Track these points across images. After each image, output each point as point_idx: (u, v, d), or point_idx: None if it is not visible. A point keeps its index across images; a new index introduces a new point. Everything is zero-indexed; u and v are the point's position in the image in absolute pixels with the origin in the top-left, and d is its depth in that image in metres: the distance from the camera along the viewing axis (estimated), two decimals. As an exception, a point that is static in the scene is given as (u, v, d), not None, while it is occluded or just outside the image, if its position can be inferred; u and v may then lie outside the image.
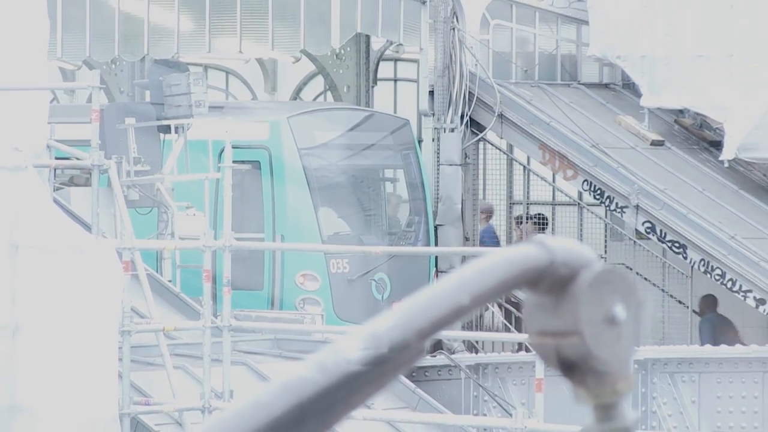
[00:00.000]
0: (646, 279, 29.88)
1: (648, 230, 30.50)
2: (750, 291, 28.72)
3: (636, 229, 30.82)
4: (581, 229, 32.93)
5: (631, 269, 30.63)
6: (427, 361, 23.02)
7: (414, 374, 22.04)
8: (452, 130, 31.67)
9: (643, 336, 2.52)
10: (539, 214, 33.29)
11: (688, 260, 30.08)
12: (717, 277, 29.36)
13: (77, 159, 20.28)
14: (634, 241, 31.36)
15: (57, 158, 19.64)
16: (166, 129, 25.15)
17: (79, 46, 32.49)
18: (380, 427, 20.04)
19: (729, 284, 29.15)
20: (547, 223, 32.95)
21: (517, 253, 2.46)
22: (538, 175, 33.52)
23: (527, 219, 33.21)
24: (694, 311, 31.15)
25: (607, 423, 2.48)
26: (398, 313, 2.41)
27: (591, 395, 2.49)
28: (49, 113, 16.35)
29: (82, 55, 32.89)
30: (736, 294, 29.04)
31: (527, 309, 2.51)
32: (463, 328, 24.38)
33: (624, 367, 2.50)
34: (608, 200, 31.05)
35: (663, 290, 31.42)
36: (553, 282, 2.47)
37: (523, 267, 2.45)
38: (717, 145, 31.43)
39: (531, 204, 34.16)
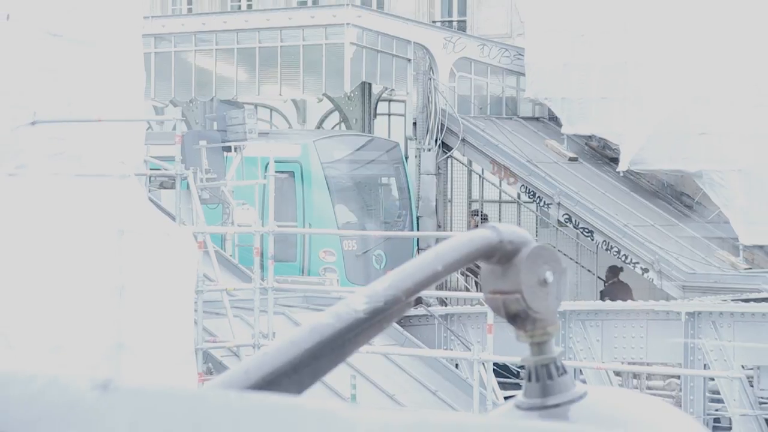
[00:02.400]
0: (565, 254, 29.77)
1: (566, 220, 30.46)
2: (638, 263, 28.70)
3: (558, 220, 30.77)
4: (519, 219, 32.87)
5: (555, 247, 30.58)
6: (412, 312, 22.97)
7: (402, 321, 21.96)
8: (429, 150, 31.61)
9: (564, 294, 2.47)
10: (479, 210, 33.45)
11: (594, 241, 30.07)
12: (615, 254, 29.35)
13: (165, 170, 20.22)
14: (557, 228, 31.31)
15: (151, 169, 19.58)
16: (228, 149, 25.14)
17: (166, 90, 32.50)
18: (379, 359, 19.97)
19: (623, 258, 29.14)
20: (486, 217, 33.01)
21: (477, 235, 2.42)
22: (489, 182, 33.51)
23: (479, 213, 33.25)
24: (599, 278, 31.13)
25: (540, 355, 2.45)
26: (391, 278, 2.37)
27: (528, 336, 2.46)
28: (145, 137, 16.23)
29: (169, 96, 32.93)
30: (629, 265, 29.02)
31: (483, 274, 2.47)
32: (437, 288, 24.33)
33: (552, 315, 2.46)
34: (538, 199, 30.99)
35: (577, 263, 31.46)
36: (501, 255, 2.44)
37: (480, 244, 2.41)
38: (615, 160, 31.34)
39: (485, 202, 34.14)
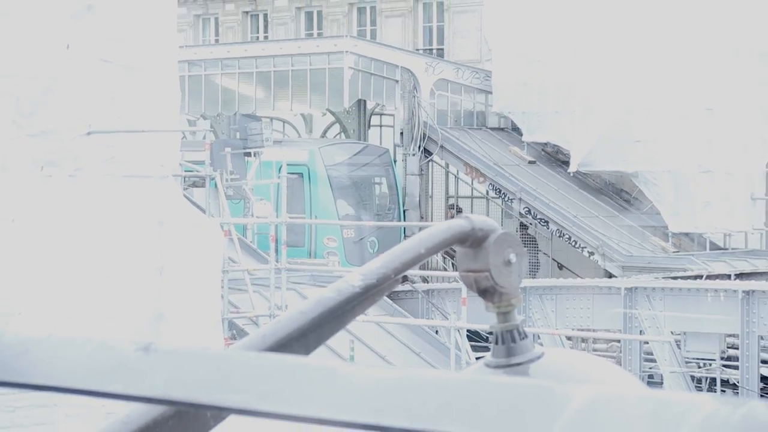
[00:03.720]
0: (523, 238, 29.81)
1: (526, 212, 30.48)
2: (585, 247, 28.71)
3: (519, 212, 30.78)
4: (488, 212, 32.88)
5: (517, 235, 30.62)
6: (399, 288, 22.99)
7: (391, 295, 21.98)
8: (413, 155, 31.63)
9: (525, 272, 2.46)
10: (455, 204, 33.54)
11: (549, 230, 30.07)
12: (566, 240, 29.36)
13: (197, 172, 20.21)
14: (519, 219, 31.32)
15: (185, 171, 19.57)
16: (248, 154, 25.15)
17: (197, 106, 32.50)
18: (373, 327, 19.98)
19: (573, 244, 29.15)
20: (461, 209, 33.10)
21: (453, 223, 2.42)
22: (463, 181, 33.51)
23: (455, 206, 33.32)
24: (553, 259, 31.15)
25: (505, 323, 2.44)
26: (382, 259, 2.36)
27: (495, 307, 2.45)
28: (180, 145, 16.22)
29: (199, 111, 32.91)
30: (578, 249, 29.03)
31: (458, 256, 2.47)
32: (421, 268, 24.31)
33: (515, 290, 2.45)
34: (503, 195, 31.02)
35: (536, 247, 31.47)
36: (473, 240, 2.43)
37: (456, 231, 2.40)
38: (566, 163, 31.36)
39: (459, 197, 34.17)
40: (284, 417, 1.50)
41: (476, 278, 2.52)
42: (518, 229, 30.41)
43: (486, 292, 2.52)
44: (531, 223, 30.89)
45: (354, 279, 2.39)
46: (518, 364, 2.42)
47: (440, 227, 2.49)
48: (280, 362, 1.62)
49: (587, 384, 1.18)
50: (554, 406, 1.14)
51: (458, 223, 2.47)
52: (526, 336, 2.46)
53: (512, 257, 2.49)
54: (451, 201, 33.94)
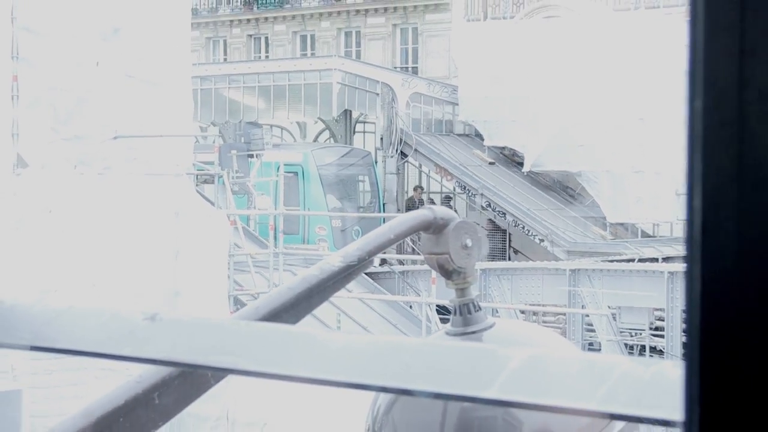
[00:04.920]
0: (485, 228, 29.85)
1: (487, 206, 30.50)
2: (536, 235, 28.75)
3: (481, 206, 30.77)
4: (455, 206, 32.88)
5: (478, 224, 30.58)
6: (379, 269, 22.98)
7: (372, 276, 21.97)
8: (392, 157, 31.62)
9: (480, 255, 2.47)
10: (420, 186, 33.58)
11: (506, 220, 30.10)
12: (521, 229, 29.40)
13: (207, 171, 20.18)
14: (480, 211, 31.34)
15: (197, 170, 19.53)
16: (251, 156, 25.11)
17: (207, 115, 32.43)
18: (356, 302, 19.96)
19: (526, 232, 29.19)
20: (422, 188, 33.17)
21: (419, 213, 2.41)
22: (433, 179, 33.48)
23: (420, 186, 33.35)
24: (510, 246, 31.18)
25: (463, 297, 2.43)
26: (359, 243, 2.36)
27: (455, 284, 2.45)
28: (193, 148, 16.21)
29: (210, 119, 32.81)
30: (530, 237, 29.08)
31: (423, 241, 2.47)
32: (397, 252, 24.35)
33: (472, 270, 2.45)
34: (468, 191, 31.03)
35: (494, 235, 31.50)
36: (435, 227, 2.42)
37: (420, 220, 2.41)
38: (521, 164, 31.41)
39: (431, 193, 34.14)
40: (272, 376, 1.50)
41: (438, 260, 2.54)
42: (479, 221, 30.37)
43: (446, 272, 2.54)
44: (492, 215, 30.88)
45: (334, 260, 2.40)
46: (473, 332, 2.43)
47: (407, 216, 2.50)
48: (269, 329, 1.62)
49: (526, 347, 1.19)
50: (496, 365, 1.15)
51: (422, 213, 2.48)
52: (480, 308, 2.47)
53: (468, 242, 2.51)
54: (424, 196, 33.91)
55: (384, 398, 2.37)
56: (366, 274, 21.44)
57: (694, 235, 0.67)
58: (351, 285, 18.60)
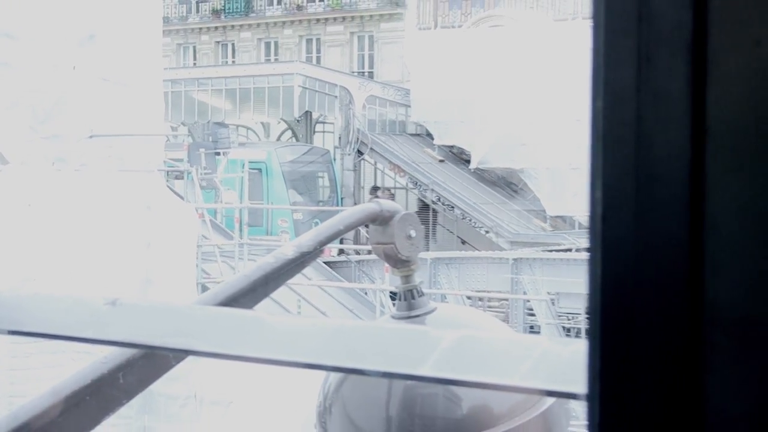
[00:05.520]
0: (434, 220, 29.95)
1: (437, 200, 30.55)
2: (482, 227, 28.88)
3: (431, 200, 30.83)
4: (407, 201, 32.93)
5: (430, 218, 30.69)
6: (338, 258, 22.97)
7: (331, 265, 21.97)
8: (349, 155, 31.65)
9: (422, 244, 2.47)
10: (378, 187, 33.58)
11: (454, 213, 30.18)
12: (468, 221, 29.50)
13: (177, 167, 20.07)
14: (432, 204, 31.40)
15: (168, 167, 19.40)
16: (218, 154, 25.05)
17: (177, 115, 32.21)
18: (316, 289, 19.92)
19: (473, 224, 29.30)
20: (378, 187, 33.24)
21: (367, 206, 2.42)
22: (387, 175, 33.50)
23: (378, 188, 33.35)
24: (458, 236, 31.25)
25: (407, 284, 2.43)
26: (311, 233, 2.35)
27: (399, 271, 2.45)
28: (164, 146, 16.12)
29: (180, 120, 32.60)
30: (476, 229, 29.18)
31: (371, 232, 2.47)
32: (354, 243, 24.33)
33: (415, 258, 2.46)
34: (419, 186, 31.07)
35: (443, 227, 31.56)
36: (381, 219, 2.42)
37: (368, 212, 2.41)
38: (468, 161, 31.50)
39: (384, 188, 34.13)
40: (228, 357, 1.50)
41: (384, 249, 2.54)
42: (430, 215, 30.39)
43: (392, 260, 2.54)
44: (441, 209, 30.93)
45: (288, 249, 2.40)
46: (417, 316, 2.44)
47: (355, 209, 2.50)
48: (225, 314, 1.62)
49: (456, 328, 1.20)
50: (429, 345, 1.16)
51: (369, 206, 2.49)
52: (423, 294, 2.48)
53: (412, 232, 2.52)
54: (378, 192, 33.94)
55: (334, 377, 2.37)
56: (325, 263, 21.43)
57: (595, 224, 0.68)
58: (311, 273, 18.58)
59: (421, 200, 31.99)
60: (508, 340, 1.16)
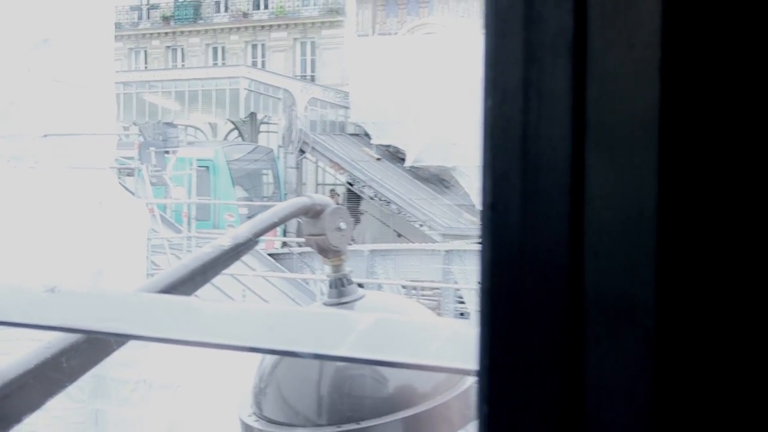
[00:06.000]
0: (372, 215, 29.97)
1: (374, 196, 30.55)
2: (416, 221, 28.94)
3: (369, 196, 30.83)
4: (347, 196, 32.85)
5: (366, 212, 30.69)
6: (280, 249, 22.90)
7: (275, 256, 21.88)
8: (292, 153, 31.55)
9: (351, 236, 2.48)
10: (334, 190, 33.52)
11: (390, 208, 30.21)
12: (403, 215, 29.55)
13: (129, 165, 19.88)
14: (370, 200, 31.39)
15: (120, 164, 19.21)
16: (168, 152, 24.84)
17: (129, 116, 31.89)
18: (260, 279, 19.84)
19: (408, 218, 29.34)
20: (336, 192, 33.16)
21: (299, 200, 2.41)
22: (328, 173, 33.45)
23: (334, 191, 33.31)
24: (394, 230, 31.29)
25: (337, 273, 2.44)
26: (247, 225, 2.35)
27: (330, 261, 2.45)
28: (116, 145, 15.97)
29: (131, 120, 32.27)
30: (411, 222, 29.23)
31: (304, 224, 2.47)
32: (297, 236, 24.24)
33: (345, 249, 2.46)
34: (358, 183, 31.06)
35: (380, 221, 31.56)
36: (313, 212, 2.42)
37: (300, 206, 2.41)
38: (403, 159, 31.54)
39: (325, 185, 34.05)
40: (164, 341, 1.49)
41: (316, 240, 2.55)
42: (368, 209, 30.38)
43: (323, 251, 2.55)
44: (378, 204, 30.94)
45: (225, 240, 2.40)
46: (346, 303, 2.44)
47: (288, 203, 2.51)
48: (154, 299, 1.61)
49: (373, 312, 1.21)
50: (348, 328, 1.16)
51: (302, 200, 2.49)
52: (352, 282, 2.49)
53: (342, 225, 2.53)
54: (326, 189, 33.86)
55: (268, 360, 2.37)
56: (269, 255, 21.34)
57: (485, 212, 0.69)
58: (255, 264, 18.48)
59: (360, 196, 31.96)
60: (421, 322, 1.17)
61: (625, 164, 0.67)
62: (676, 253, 0.66)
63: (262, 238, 2.42)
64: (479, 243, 0.71)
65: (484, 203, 0.69)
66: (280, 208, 2.42)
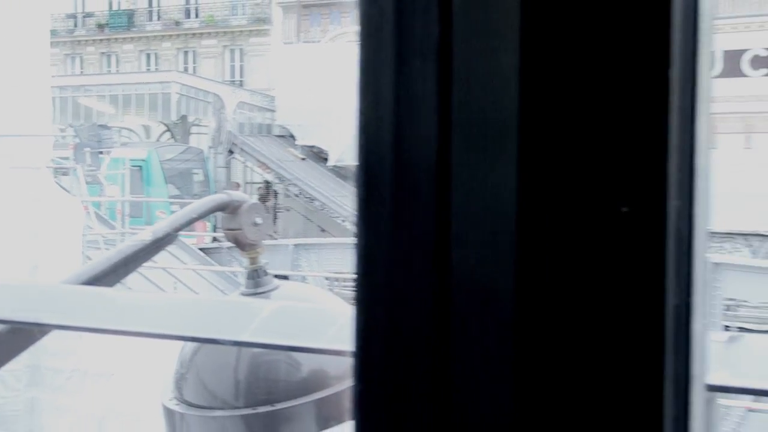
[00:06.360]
0: (297, 211, 29.92)
1: (299, 193, 30.47)
2: (339, 217, 28.94)
3: (294, 193, 30.74)
4: (269, 192, 32.70)
5: (291, 209, 30.61)
6: (211, 244, 22.69)
7: (205, 251, 21.67)
8: (221, 154, 31.33)
9: (270, 230, 2.48)
10: (265, 184, 33.34)
11: (314, 204, 30.15)
12: (326, 211, 29.53)
13: (65, 165, 19.55)
14: (295, 197, 31.24)
15: (56, 164, 18.86)
16: (101, 153, 24.48)
17: (65, 119, 31.34)
18: (191, 273, 19.63)
19: (331, 214, 29.33)
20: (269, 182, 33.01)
21: (218, 197, 2.40)
22: (256, 172, 33.21)
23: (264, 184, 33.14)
24: (318, 225, 31.20)
25: (254, 265, 2.43)
26: (167, 220, 2.33)
27: (247, 254, 2.44)
28: (53, 146, 15.70)
29: (67, 122, 31.73)
30: (334, 218, 29.22)
31: (222, 219, 2.46)
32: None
33: (261, 242, 2.45)
34: (284, 181, 30.95)
35: (305, 217, 31.46)
36: (231, 208, 2.42)
37: (218, 202, 2.40)
38: (327, 159, 31.50)
39: (253, 183, 33.86)
40: (80, 329, 1.48)
41: (234, 234, 2.54)
42: (293, 205, 30.25)
43: (240, 244, 2.54)
44: (303, 201, 30.85)
45: (146, 234, 2.38)
46: (262, 293, 2.44)
47: (207, 199, 2.50)
48: (75, 290, 1.60)
49: (276, 300, 1.22)
50: (251, 314, 1.16)
51: (220, 197, 2.48)
52: (267, 274, 2.49)
53: (258, 219, 2.52)
54: (256, 188, 33.62)
55: (189, 346, 2.35)
56: (200, 249, 21.13)
57: (360, 205, 0.70)
58: (186, 257, 18.30)
59: (286, 194, 31.82)
60: (321, 309, 1.17)
61: (487, 161, 0.69)
62: (533, 243, 0.68)
63: (193, 233, 2.41)
64: (355, 233, 0.72)
65: (359, 198, 0.70)
66: (198, 204, 2.41)
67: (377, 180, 0.69)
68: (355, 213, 0.71)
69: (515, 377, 0.67)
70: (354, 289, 0.70)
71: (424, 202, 0.69)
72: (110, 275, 2.16)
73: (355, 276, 0.70)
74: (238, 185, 32.64)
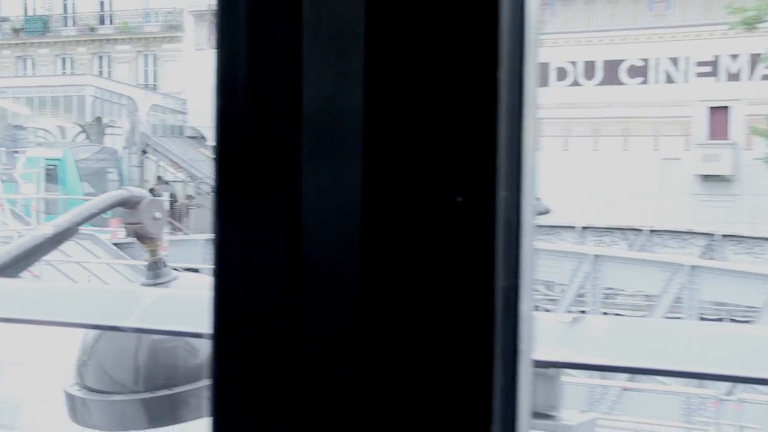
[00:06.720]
0: (207, 207, 29.61)
1: (210, 191, 30.10)
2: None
3: (206, 191, 30.41)
4: (185, 191, 32.29)
5: (205, 205, 30.28)
6: (123, 239, 22.26)
7: (118, 244, 21.25)
8: (135, 154, 30.84)
9: (165, 225, 2.45)
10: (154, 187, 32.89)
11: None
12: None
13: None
14: (206, 195, 30.92)
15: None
16: (17, 152, 23.84)
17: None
18: (105, 267, 19.18)
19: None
20: (157, 190, 32.53)
21: (118, 193, 2.37)
22: (168, 171, 32.74)
23: (154, 188, 32.59)
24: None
25: (153, 257, 2.40)
26: (69, 215, 2.29)
27: (147, 247, 2.41)
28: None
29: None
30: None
31: (123, 214, 2.42)
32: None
33: (160, 236, 2.42)
34: (196, 179, 30.58)
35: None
36: (131, 203, 2.38)
37: (119, 198, 2.36)
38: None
39: (166, 182, 33.34)
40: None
41: (134, 228, 2.50)
42: (208, 203, 29.85)
43: (140, 238, 2.51)
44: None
45: (48, 228, 2.33)
46: (162, 283, 2.41)
47: (108, 195, 2.46)
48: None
49: (159, 289, 1.21)
50: (137, 302, 1.15)
51: (121, 192, 2.44)
52: (166, 266, 2.46)
53: (158, 214, 2.49)
54: (152, 186, 33.08)
55: (91, 334, 2.31)
56: (114, 243, 20.71)
57: (217, 196, 0.70)
58: (99, 252, 17.93)
59: (197, 191, 31.45)
60: (199, 296, 1.17)
61: (335, 155, 0.69)
62: (376, 230, 0.69)
63: (108, 229, 2.37)
64: (213, 223, 0.72)
65: (216, 189, 0.70)
66: (99, 200, 2.36)
67: (234, 174, 0.69)
68: (213, 204, 0.71)
69: (360, 352, 0.68)
70: (213, 275, 0.70)
71: (279, 194, 0.69)
72: (11, 267, 2.11)
73: (213, 263, 0.71)
74: (157, 185, 32.14)
